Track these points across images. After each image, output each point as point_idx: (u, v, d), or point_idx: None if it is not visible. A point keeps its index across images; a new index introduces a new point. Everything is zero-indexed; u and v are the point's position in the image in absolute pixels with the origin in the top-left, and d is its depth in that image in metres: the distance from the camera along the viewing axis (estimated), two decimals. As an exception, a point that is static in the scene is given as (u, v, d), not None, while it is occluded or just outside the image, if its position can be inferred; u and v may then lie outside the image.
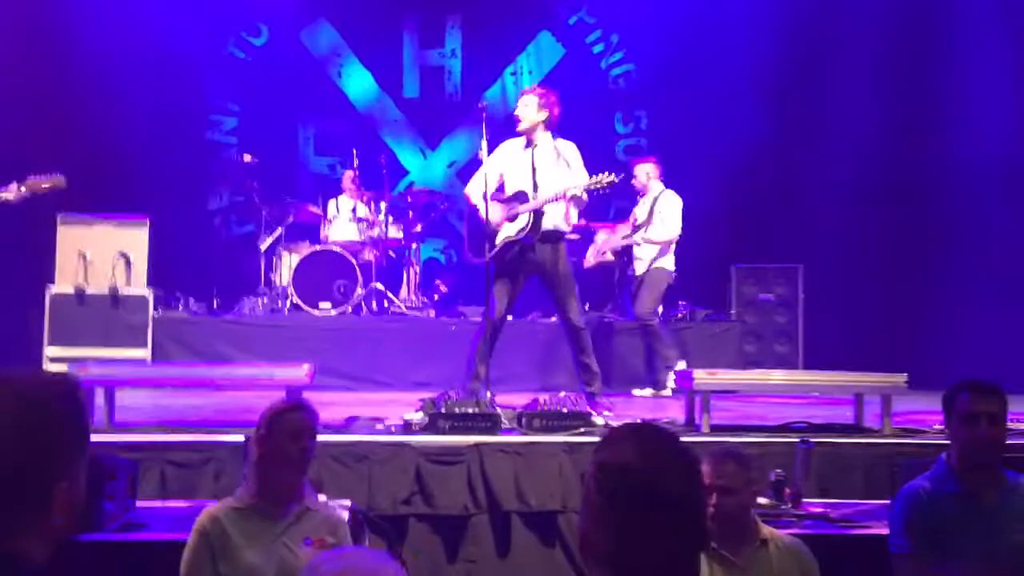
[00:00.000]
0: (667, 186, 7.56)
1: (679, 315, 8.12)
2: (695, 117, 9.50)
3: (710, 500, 2.79)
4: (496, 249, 5.48)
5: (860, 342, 7.95)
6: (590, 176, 5.47)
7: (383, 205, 8.38)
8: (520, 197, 5.48)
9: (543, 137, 5.59)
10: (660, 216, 7.34)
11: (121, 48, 8.70)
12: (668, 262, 7.31)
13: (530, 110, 5.54)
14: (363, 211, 8.38)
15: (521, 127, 5.54)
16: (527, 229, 5.39)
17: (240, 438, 4.03)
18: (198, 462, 4.23)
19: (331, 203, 8.62)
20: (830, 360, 6.89)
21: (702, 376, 4.91)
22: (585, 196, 5.43)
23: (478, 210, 5.57)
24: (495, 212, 5.52)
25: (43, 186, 5.50)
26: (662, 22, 9.77)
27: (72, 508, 1.42)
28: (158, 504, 4.01)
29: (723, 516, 2.79)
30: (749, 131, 8.98)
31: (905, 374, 4.95)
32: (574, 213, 5.81)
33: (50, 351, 7.31)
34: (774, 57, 9.12)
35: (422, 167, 10.26)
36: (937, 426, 4.85)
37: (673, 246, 7.34)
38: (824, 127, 8.98)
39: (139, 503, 3.86)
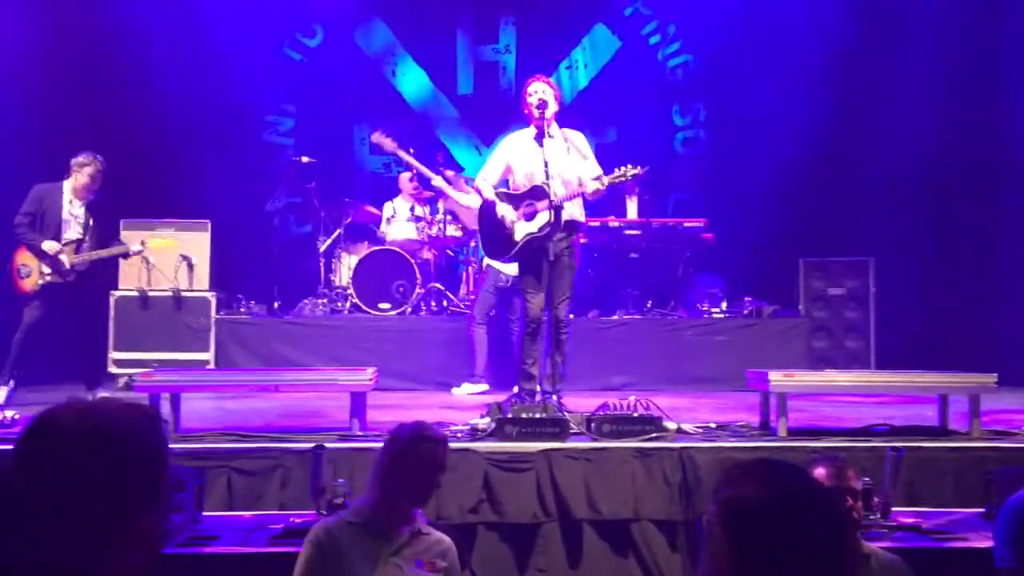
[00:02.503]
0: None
1: (745, 311, 7.91)
2: (755, 108, 9.25)
3: None
4: (518, 247, 5.36)
5: (936, 338, 7.66)
6: (600, 167, 5.37)
7: (441, 204, 8.30)
8: (536, 193, 5.33)
9: (554, 127, 5.44)
10: None
11: (178, 52, 8.76)
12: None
13: (552, 99, 5.40)
14: (421, 211, 8.31)
15: (548, 113, 5.38)
16: (549, 225, 5.25)
17: (308, 445, 3.97)
18: (265, 470, 4.18)
19: (387, 204, 8.57)
20: (902, 356, 6.65)
21: (778, 377, 4.72)
22: (604, 188, 5.29)
23: (491, 206, 5.45)
24: (509, 208, 5.39)
25: (160, 244, 6.75)
26: (718, 11, 9.56)
27: (154, 543, 1.36)
28: (225, 515, 3.95)
29: None
30: (812, 121, 8.74)
31: (995, 374, 4.70)
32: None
33: (115, 355, 7.38)
34: (835, 44, 8.86)
35: (478, 164, 10.13)
36: (1031, 429, 4.62)
37: None
38: (891, 115, 8.68)
39: (206, 514, 3.81)
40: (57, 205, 6.20)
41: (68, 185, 6.22)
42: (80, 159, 6.21)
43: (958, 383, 4.80)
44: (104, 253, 6.34)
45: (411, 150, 8.31)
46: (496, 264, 6.98)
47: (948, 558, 3.40)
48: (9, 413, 5.09)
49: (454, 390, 7.10)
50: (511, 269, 6.97)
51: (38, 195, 6.20)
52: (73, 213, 6.24)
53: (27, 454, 1.34)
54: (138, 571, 1.38)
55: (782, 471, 1.47)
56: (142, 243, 6.61)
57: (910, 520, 3.73)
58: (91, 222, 6.28)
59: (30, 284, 6.13)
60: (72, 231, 6.22)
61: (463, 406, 5.91)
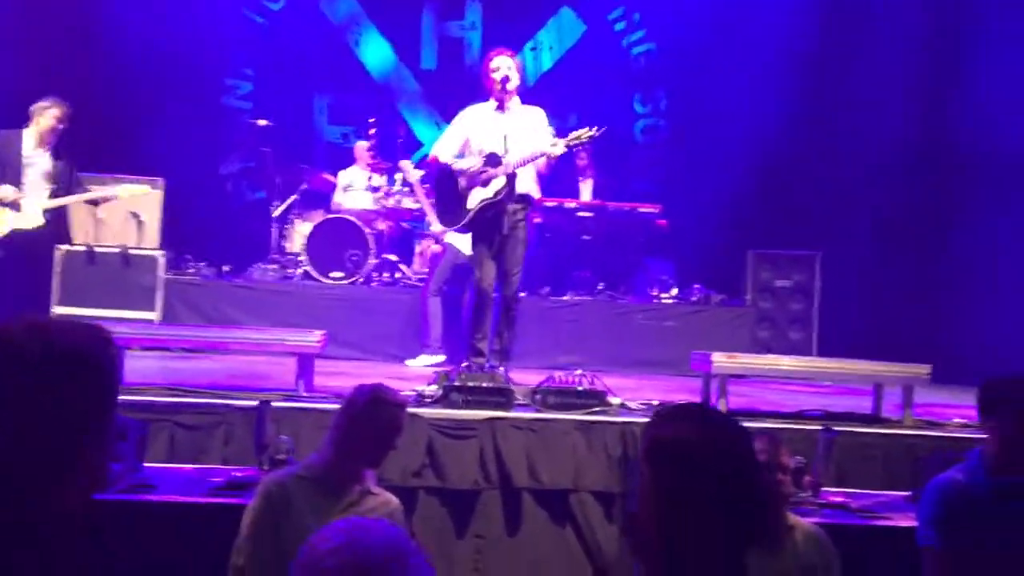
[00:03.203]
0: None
1: (693, 298, 8.03)
2: (715, 99, 9.38)
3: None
4: (471, 213, 5.40)
5: (877, 333, 7.86)
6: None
7: (398, 176, 8.28)
8: (491, 160, 5.37)
9: (515, 102, 5.48)
10: None
11: (138, 9, 8.59)
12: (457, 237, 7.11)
13: (514, 73, 5.44)
14: (378, 180, 8.29)
15: (511, 87, 5.41)
16: (503, 192, 5.29)
17: (252, 403, 3.97)
18: (208, 425, 4.17)
19: (342, 173, 8.53)
20: (846, 350, 6.80)
21: (721, 359, 4.83)
22: (563, 151, 5.28)
23: (448, 173, 5.47)
24: (467, 170, 5.43)
25: (132, 191, 6.33)
26: (684, 2, 9.63)
27: (101, 466, 1.34)
28: (167, 466, 3.94)
29: None
30: (769, 115, 8.89)
31: (928, 365, 4.86)
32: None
33: (58, 310, 7.25)
34: (794, 40, 9.01)
35: (436, 138, 10.13)
36: (959, 420, 4.78)
37: None
38: (843, 111, 8.88)
39: (147, 465, 3.79)
40: (16, 151, 6.00)
41: (29, 132, 6.03)
42: (43, 103, 6.03)
43: (892, 372, 4.95)
44: (72, 199, 6.13)
45: (373, 125, 8.31)
46: (456, 241, 7.00)
47: (873, 535, 3.53)
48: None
49: (408, 362, 7.07)
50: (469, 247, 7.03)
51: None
52: (34, 158, 6.04)
53: None
54: (78, 502, 1.36)
55: (706, 414, 1.53)
56: (112, 188, 6.36)
57: (839, 499, 3.86)
58: (60, 167, 6.08)
59: None
60: (33, 176, 6.02)
61: (411, 376, 5.93)
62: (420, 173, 7.74)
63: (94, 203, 6.50)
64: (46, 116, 6.02)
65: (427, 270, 8.09)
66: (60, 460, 1.30)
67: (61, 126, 6.07)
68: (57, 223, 6.19)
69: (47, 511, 1.28)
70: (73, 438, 1.30)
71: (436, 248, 7.56)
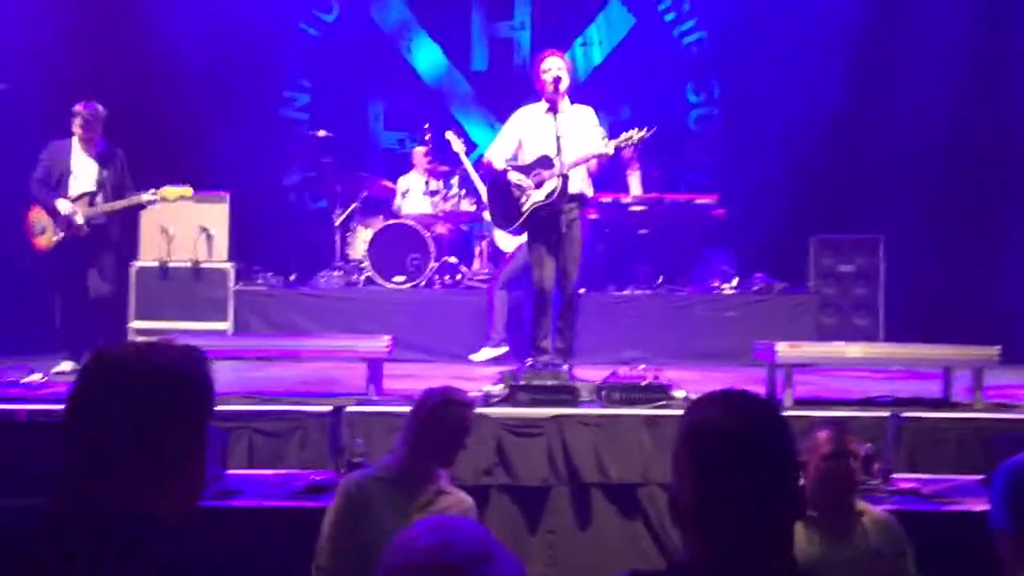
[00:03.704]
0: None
1: (755, 287, 7.99)
2: (769, 86, 9.29)
3: (816, 466, 2.80)
4: (525, 215, 5.47)
5: (945, 315, 7.71)
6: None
7: (455, 179, 8.41)
8: (544, 162, 5.43)
9: (565, 102, 5.53)
10: None
11: (196, 27, 8.82)
12: None
13: (565, 74, 5.49)
14: (435, 185, 8.42)
15: (563, 87, 5.47)
16: (556, 193, 5.35)
17: (327, 408, 4.11)
18: (286, 432, 4.32)
19: (401, 179, 8.69)
20: (913, 334, 6.70)
21: (785, 349, 4.82)
22: (612, 152, 5.39)
23: (501, 176, 5.55)
24: (521, 175, 5.50)
25: (175, 194, 6.24)
26: (734, -12, 9.58)
27: (202, 472, 1.46)
28: (248, 472, 4.10)
29: (827, 483, 2.79)
30: (824, 100, 8.78)
31: (998, 347, 4.79)
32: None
33: (135, 324, 7.53)
34: (849, 21, 8.87)
35: (491, 139, 10.22)
36: (1032, 401, 4.71)
37: None
38: (903, 94, 8.71)
39: (230, 472, 3.95)
40: (64, 158, 6.10)
41: (75, 138, 6.14)
42: (73, 109, 6.11)
43: (961, 356, 4.89)
44: (118, 205, 6.10)
45: (428, 130, 8.46)
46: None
47: (945, 520, 3.51)
48: (36, 376, 5.23)
49: (472, 356, 7.15)
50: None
51: (48, 151, 6.13)
52: (80, 166, 6.10)
53: (87, 387, 1.44)
54: (183, 509, 1.48)
55: (744, 398, 1.57)
56: (153, 192, 6.21)
57: (910, 485, 3.84)
58: (105, 174, 6.11)
59: (44, 241, 6.02)
60: (80, 184, 6.06)
61: (475, 376, 6.02)
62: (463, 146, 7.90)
63: (141, 207, 6.36)
64: (74, 124, 6.10)
65: (486, 270, 8.20)
66: (167, 469, 1.42)
67: (90, 132, 6.08)
68: (108, 230, 6.14)
69: (159, 516, 1.40)
70: (177, 448, 1.43)
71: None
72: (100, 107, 6.18)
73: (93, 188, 6.08)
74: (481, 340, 7.37)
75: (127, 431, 1.41)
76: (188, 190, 6.26)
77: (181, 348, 1.52)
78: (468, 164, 8.06)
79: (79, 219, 5.98)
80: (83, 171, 6.11)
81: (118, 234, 6.31)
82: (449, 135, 8.16)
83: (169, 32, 8.59)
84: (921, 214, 8.48)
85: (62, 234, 5.99)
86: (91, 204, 6.04)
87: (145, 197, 6.15)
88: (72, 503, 1.40)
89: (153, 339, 5.55)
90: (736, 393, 1.61)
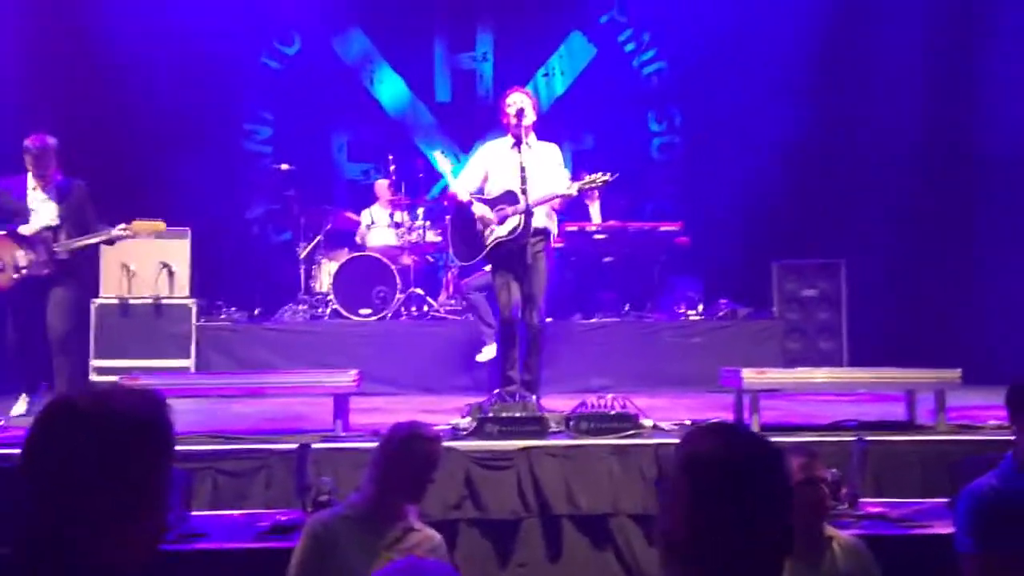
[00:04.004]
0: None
1: (720, 313, 8.05)
2: (729, 113, 9.43)
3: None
4: (486, 250, 5.50)
5: (908, 338, 7.82)
6: (572, 177, 5.56)
7: (420, 211, 8.41)
8: (509, 198, 5.47)
9: (531, 138, 5.59)
10: None
11: (156, 60, 8.80)
12: None
13: (530, 109, 5.54)
14: (400, 216, 8.41)
15: (527, 122, 5.52)
16: (519, 229, 5.39)
17: (292, 446, 4.06)
18: (250, 471, 4.25)
19: (365, 212, 8.68)
20: (877, 356, 6.79)
21: (751, 375, 4.85)
22: (576, 194, 5.49)
23: (465, 208, 5.58)
24: (485, 208, 5.54)
25: (148, 229, 6.06)
26: (693, 19, 9.73)
27: (163, 521, 1.44)
28: (212, 514, 4.03)
29: (797, 510, 2.79)
30: (784, 126, 8.90)
31: (959, 369, 4.85)
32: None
33: (96, 363, 7.41)
34: (806, 49, 9.04)
35: (456, 171, 10.24)
36: (994, 422, 4.77)
37: None
38: (862, 118, 8.89)
39: (194, 513, 3.88)
40: (19, 195, 5.87)
41: (29, 175, 5.91)
42: (23, 145, 5.89)
43: (923, 379, 4.94)
44: (87, 240, 5.89)
45: (392, 161, 8.46)
46: None
47: (912, 544, 3.54)
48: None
49: (478, 357, 7.13)
50: None
51: (5, 185, 5.92)
52: (38, 202, 5.87)
53: (44, 435, 1.42)
54: (145, 552, 1.46)
55: (739, 432, 1.59)
56: (124, 227, 5.99)
57: (877, 509, 3.87)
58: (64, 208, 5.87)
59: (3, 280, 5.78)
60: (40, 219, 5.83)
61: (443, 409, 6.00)
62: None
63: (110, 243, 6.15)
64: (26, 159, 5.87)
65: (453, 301, 8.19)
66: (127, 514, 1.40)
67: (41, 168, 5.85)
68: (71, 267, 5.90)
69: (119, 563, 1.38)
70: (137, 494, 1.41)
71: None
72: (50, 139, 5.95)
73: (55, 223, 5.86)
74: (454, 371, 7.35)
75: (85, 479, 1.40)
76: (160, 225, 6.05)
77: (139, 392, 1.51)
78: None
79: (44, 250, 5.76)
80: (42, 207, 5.90)
81: (83, 270, 6.14)
82: (437, 154, 8.13)
83: (127, 65, 8.54)
84: (882, 238, 8.62)
85: (24, 272, 5.77)
86: (54, 240, 5.83)
87: (115, 232, 5.95)
88: (32, 553, 1.38)
89: (113, 380, 5.47)
90: (731, 426, 1.62)
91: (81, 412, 1.43)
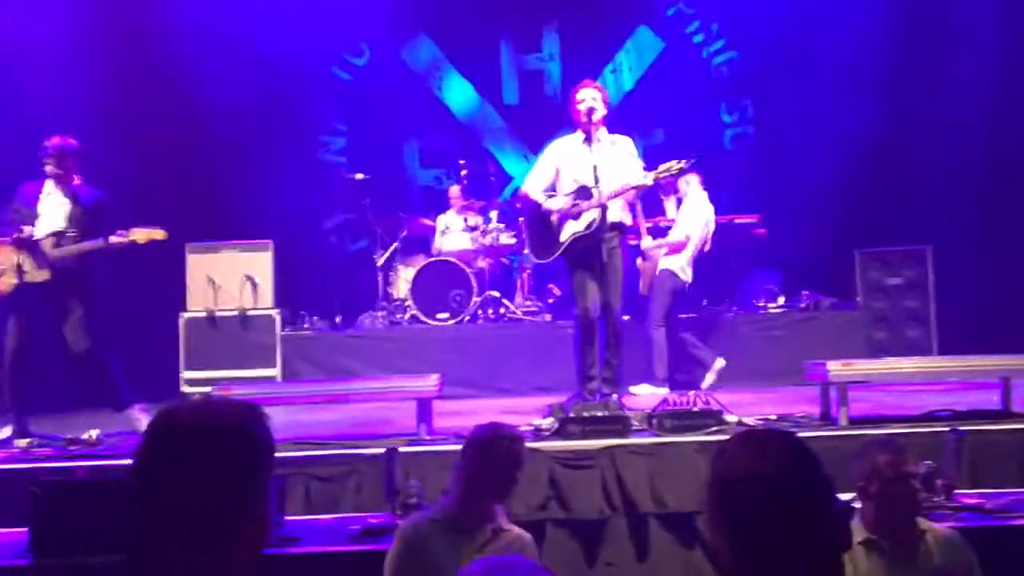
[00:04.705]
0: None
1: (802, 305, 7.91)
2: (803, 102, 9.26)
3: (876, 491, 2.76)
4: (564, 246, 5.47)
5: (999, 324, 7.57)
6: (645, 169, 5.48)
7: (493, 213, 8.47)
8: (582, 193, 5.44)
9: (602, 132, 5.54)
10: (678, 219, 7.31)
11: (228, 76, 8.99)
12: (674, 262, 7.14)
13: (600, 104, 5.51)
14: (474, 220, 8.48)
15: (596, 117, 5.49)
16: (595, 224, 5.36)
17: (380, 450, 4.13)
18: (341, 476, 4.35)
19: (440, 218, 8.78)
20: (967, 344, 6.59)
21: (836, 367, 4.76)
22: (651, 183, 5.42)
23: (539, 207, 5.57)
24: (558, 203, 5.52)
25: (146, 236, 5.56)
26: (761, 7, 9.57)
27: (266, 528, 1.49)
28: (305, 518, 4.13)
29: (888, 507, 2.75)
30: (860, 112, 8.72)
31: (1056, 353, 4.68)
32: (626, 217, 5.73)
33: (187, 374, 7.65)
34: (881, 32, 8.82)
35: (526, 172, 10.25)
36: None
37: (687, 249, 7.15)
38: (942, 101, 8.63)
39: (288, 518, 3.98)
40: (32, 200, 5.58)
41: (48, 180, 5.62)
42: (43, 145, 5.59)
43: (1019, 365, 4.78)
44: (80, 247, 5.49)
45: (464, 166, 8.56)
46: (671, 265, 7.10)
47: (1011, 535, 3.43)
48: (94, 432, 5.32)
49: (632, 388, 6.86)
50: (678, 268, 7.11)
51: (20, 191, 5.66)
52: (50, 205, 5.57)
53: (153, 449, 1.48)
54: (251, 560, 1.51)
55: (767, 443, 1.54)
56: (122, 234, 5.52)
57: (974, 501, 3.76)
58: (78, 212, 5.55)
59: (3, 285, 5.48)
60: (47, 224, 5.53)
61: (525, 410, 6.03)
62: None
63: (109, 247, 5.57)
64: (46, 161, 5.56)
65: (529, 302, 8.23)
66: (233, 523, 1.46)
67: (58, 170, 5.54)
68: (76, 275, 5.54)
69: (228, 570, 1.44)
70: (240, 500, 1.46)
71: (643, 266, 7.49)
72: (72, 141, 5.65)
73: (60, 228, 5.53)
74: (533, 371, 7.37)
75: (193, 490, 1.45)
76: (159, 232, 5.60)
77: (241, 405, 1.56)
78: None
79: (45, 249, 5.47)
80: (52, 210, 5.57)
81: (90, 279, 5.66)
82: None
83: (201, 83, 8.77)
84: (967, 222, 8.38)
85: (26, 277, 5.45)
86: (57, 245, 5.51)
87: (113, 239, 5.49)
88: (145, 562, 1.44)
89: (205, 392, 5.57)
90: (758, 435, 1.59)
91: (185, 425, 1.49)
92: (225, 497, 1.45)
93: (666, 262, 7.19)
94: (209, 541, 1.45)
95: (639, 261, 7.47)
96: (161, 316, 7.78)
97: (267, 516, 1.55)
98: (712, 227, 7.35)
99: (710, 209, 7.34)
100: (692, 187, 7.36)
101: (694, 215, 7.27)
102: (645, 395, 6.74)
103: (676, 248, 7.18)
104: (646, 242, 7.27)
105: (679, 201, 8.44)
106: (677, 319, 7.26)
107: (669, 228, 8.13)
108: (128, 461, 1.50)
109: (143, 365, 7.49)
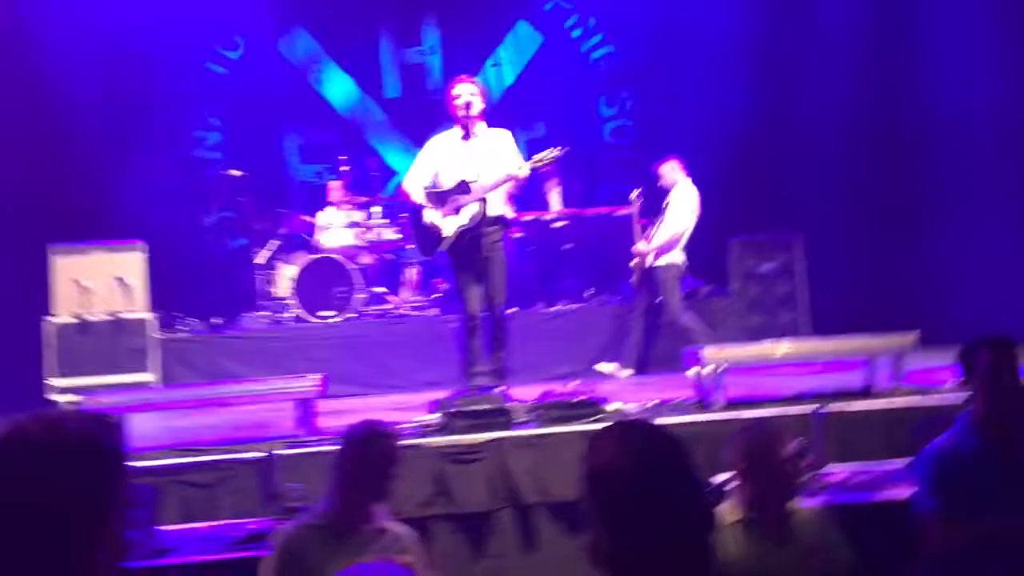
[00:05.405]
0: (658, 166, 7.54)
1: (682, 293, 8.08)
2: (679, 94, 9.47)
3: (751, 471, 2.84)
4: (449, 241, 5.48)
5: (868, 305, 7.94)
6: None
7: (376, 209, 8.37)
8: (462, 187, 5.47)
9: (480, 127, 5.58)
10: (667, 214, 7.30)
11: (96, 70, 8.62)
12: (675, 256, 7.24)
13: (477, 99, 5.53)
14: (357, 216, 8.36)
15: (474, 112, 5.51)
16: (478, 217, 5.39)
17: (259, 454, 4.03)
18: (218, 482, 4.23)
19: (320, 214, 8.60)
20: (839, 326, 6.87)
21: (711, 352, 4.91)
22: (528, 174, 5.43)
23: (421, 210, 5.57)
24: (435, 212, 5.52)
25: None
26: (637, 2, 9.75)
27: (120, 542, 1.44)
28: (182, 527, 3.99)
29: (765, 487, 2.83)
30: (733, 103, 8.96)
31: (914, 332, 4.94)
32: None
33: (56, 382, 7.28)
34: (752, 24, 9.10)
35: (409, 166, 10.21)
36: (951, 383, 4.86)
37: (682, 240, 7.25)
38: (809, 91, 8.97)
39: (163, 528, 3.84)
40: None
41: None
42: None
43: (881, 344, 5.03)
44: None
45: (346, 161, 8.42)
46: (671, 259, 7.10)
47: (876, 509, 3.60)
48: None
49: (596, 366, 7.06)
50: (676, 257, 7.11)
51: None
52: None
53: None
54: (106, 570, 1.45)
55: (633, 434, 1.59)
56: None
57: (841, 477, 3.93)
58: None
59: None
60: None
61: (412, 406, 5.99)
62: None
63: None
64: None
65: (416, 298, 8.18)
66: (82, 538, 1.40)
67: None
68: None
69: None
70: (91, 516, 1.40)
71: None
72: None
73: None
74: (420, 367, 7.32)
75: (40, 507, 1.39)
76: None
77: (88, 416, 1.51)
78: None
79: None
80: None
81: None
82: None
83: (66, 77, 8.37)
84: (837, 209, 8.72)
85: None
86: None
87: None
88: None
89: (75, 400, 5.29)
90: (622, 427, 1.62)
91: (30, 438, 1.43)
92: (73, 513, 1.39)
93: (664, 257, 7.18)
94: (57, 556, 1.39)
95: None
96: (23, 321, 7.38)
97: (122, 530, 1.49)
98: (698, 210, 7.31)
99: (694, 194, 7.31)
100: (677, 175, 7.34)
101: (681, 210, 7.25)
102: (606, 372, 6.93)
103: (670, 245, 7.19)
104: (641, 246, 7.23)
105: (563, 190, 8.53)
106: (654, 305, 7.26)
107: (552, 221, 8.24)
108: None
109: (4, 373, 7.15)
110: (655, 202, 7.55)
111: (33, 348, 7.28)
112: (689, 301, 7.61)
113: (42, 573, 1.38)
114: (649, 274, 7.26)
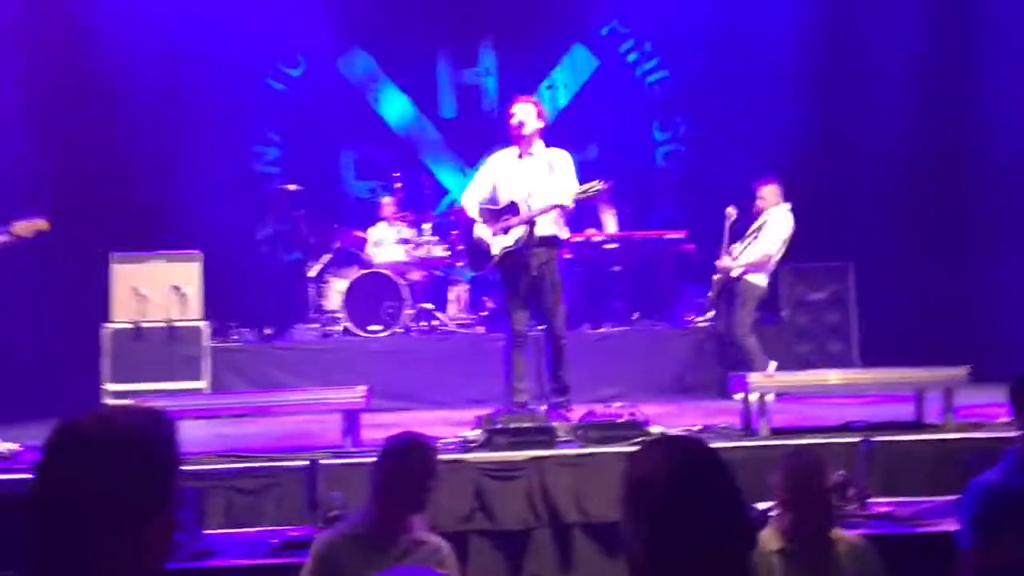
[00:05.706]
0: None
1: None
2: (733, 120, 9.45)
3: (791, 498, 2.82)
4: (495, 259, 5.53)
5: (919, 338, 7.78)
6: (580, 184, 5.54)
7: (427, 226, 8.47)
8: (512, 208, 5.51)
9: (538, 146, 5.62)
10: (761, 234, 7.20)
11: (163, 85, 8.89)
12: (760, 278, 7.15)
13: (531, 118, 5.58)
14: (407, 232, 8.47)
15: (526, 131, 5.56)
16: (522, 239, 5.43)
17: (303, 463, 4.10)
18: (262, 488, 4.30)
19: (371, 230, 8.74)
20: (888, 358, 6.77)
21: (757, 379, 4.87)
22: (572, 205, 5.48)
23: (474, 222, 5.63)
24: (485, 228, 5.60)
25: (29, 229, 5.35)
26: (694, 28, 9.75)
27: (169, 538, 1.46)
28: (225, 532, 4.07)
29: (804, 515, 2.81)
30: (788, 131, 8.91)
31: (967, 367, 4.85)
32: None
33: (110, 387, 7.46)
34: (808, 52, 9.05)
35: (462, 185, 10.31)
36: (1003, 419, 4.75)
37: (770, 263, 7.17)
38: (866, 121, 8.88)
39: (207, 532, 3.92)
40: None
41: None
42: None
43: (932, 377, 4.95)
44: None
45: (399, 179, 8.55)
46: (757, 280, 7.06)
47: (920, 542, 3.54)
48: (9, 446, 5.17)
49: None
50: (762, 279, 7.06)
51: None
52: None
53: (54, 459, 1.44)
54: (151, 568, 1.48)
55: (677, 447, 1.60)
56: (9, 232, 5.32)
57: (886, 509, 3.87)
58: None
59: None
60: None
61: (455, 422, 6.03)
62: None
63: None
64: None
65: (463, 315, 8.24)
66: (130, 535, 1.42)
67: None
68: None
69: None
70: (140, 513, 1.43)
71: None
72: None
73: None
74: (465, 383, 7.36)
75: (92, 501, 1.41)
76: (43, 223, 5.40)
77: (142, 411, 1.53)
78: None
79: None
80: None
81: None
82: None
83: (133, 92, 8.63)
84: (889, 239, 8.60)
85: None
86: None
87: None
88: (44, 572, 1.40)
89: (125, 403, 5.42)
90: (670, 439, 1.62)
91: (85, 434, 1.46)
92: (124, 507, 1.42)
93: (752, 275, 7.12)
94: (109, 551, 1.42)
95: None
96: (83, 327, 7.59)
97: (170, 526, 1.51)
98: (790, 239, 7.20)
99: (790, 221, 7.21)
100: (773, 200, 7.25)
101: (775, 233, 7.16)
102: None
103: (758, 267, 7.13)
104: (726, 261, 7.17)
105: (618, 213, 8.53)
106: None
107: (602, 243, 8.24)
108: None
109: (63, 377, 7.35)
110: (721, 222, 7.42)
111: (92, 353, 7.48)
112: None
113: (92, 566, 1.41)
114: (729, 288, 7.14)
